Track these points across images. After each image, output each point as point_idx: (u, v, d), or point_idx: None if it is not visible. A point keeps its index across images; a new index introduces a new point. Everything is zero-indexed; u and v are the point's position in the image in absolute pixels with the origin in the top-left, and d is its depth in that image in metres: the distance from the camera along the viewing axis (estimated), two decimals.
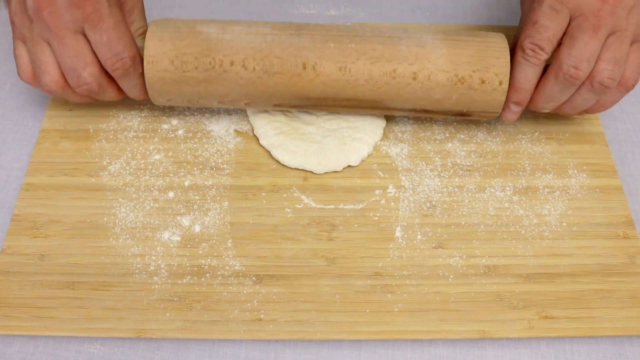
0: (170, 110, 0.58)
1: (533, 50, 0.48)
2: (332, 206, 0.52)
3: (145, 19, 0.53)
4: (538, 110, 0.52)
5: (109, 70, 0.49)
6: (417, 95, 0.51)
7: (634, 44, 0.49)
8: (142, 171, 0.54)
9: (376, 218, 0.52)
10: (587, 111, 0.53)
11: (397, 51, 0.50)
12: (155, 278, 0.48)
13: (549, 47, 0.48)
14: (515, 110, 0.52)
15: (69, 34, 0.47)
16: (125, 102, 0.58)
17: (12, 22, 0.50)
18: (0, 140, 0.57)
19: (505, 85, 0.50)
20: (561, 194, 0.53)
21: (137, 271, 0.48)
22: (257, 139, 0.56)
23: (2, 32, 0.65)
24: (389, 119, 0.58)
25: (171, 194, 0.53)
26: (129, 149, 0.55)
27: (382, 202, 0.53)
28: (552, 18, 0.48)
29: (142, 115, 0.57)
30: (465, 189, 0.53)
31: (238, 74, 0.50)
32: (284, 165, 0.54)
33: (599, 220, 0.52)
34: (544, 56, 0.49)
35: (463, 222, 0.52)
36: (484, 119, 0.54)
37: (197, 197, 0.53)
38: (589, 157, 0.56)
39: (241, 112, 0.58)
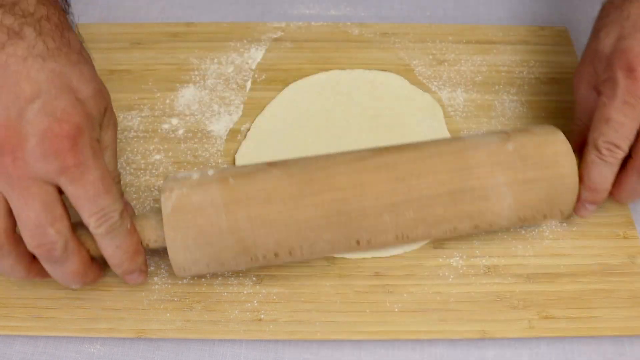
0: (170, 110, 0.58)
1: (609, 150, 0.45)
2: None
3: (116, 163, 0.45)
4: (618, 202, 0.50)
5: (93, 226, 0.40)
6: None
7: None
8: (142, 171, 0.54)
9: None
10: None
11: (458, 210, 0.46)
12: (155, 278, 0.48)
13: (626, 145, 0.45)
14: (591, 209, 0.49)
15: (35, 184, 0.38)
16: (125, 103, 0.58)
17: None
18: None
19: (568, 213, 0.48)
20: None
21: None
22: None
23: None
24: None
25: None
26: (129, 149, 0.55)
27: None
28: (627, 113, 0.44)
29: (142, 115, 0.57)
30: None
31: (284, 259, 0.46)
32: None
33: (599, 220, 0.52)
34: (621, 154, 0.45)
35: None
36: None
37: None
38: None
39: (242, 112, 0.58)
